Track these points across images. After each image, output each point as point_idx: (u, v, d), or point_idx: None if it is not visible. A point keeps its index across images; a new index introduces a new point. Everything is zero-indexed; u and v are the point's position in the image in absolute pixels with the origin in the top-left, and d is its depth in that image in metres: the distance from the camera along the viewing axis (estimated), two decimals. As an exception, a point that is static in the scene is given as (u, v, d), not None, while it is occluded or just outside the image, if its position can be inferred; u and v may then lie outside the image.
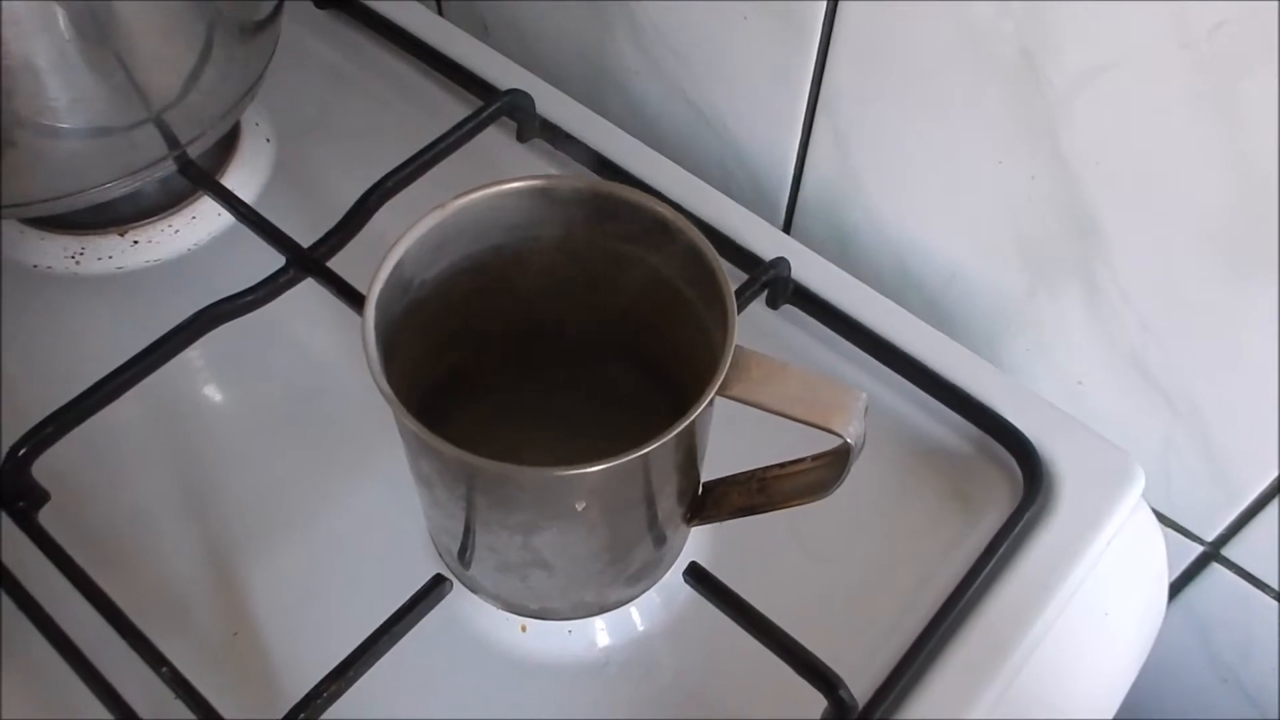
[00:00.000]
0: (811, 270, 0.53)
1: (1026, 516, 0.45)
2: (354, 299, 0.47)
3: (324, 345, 0.51)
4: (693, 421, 0.32)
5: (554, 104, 0.58)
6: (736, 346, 0.32)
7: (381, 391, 0.32)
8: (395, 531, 0.45)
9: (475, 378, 0.42)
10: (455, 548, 0.39)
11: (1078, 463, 0.47)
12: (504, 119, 0.57)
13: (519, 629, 0.43)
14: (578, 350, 0.42)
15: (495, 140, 0.57)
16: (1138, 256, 0.47)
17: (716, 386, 0.32)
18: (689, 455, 0.35)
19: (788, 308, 0.52)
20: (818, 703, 0.40)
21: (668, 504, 0.37)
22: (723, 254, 0.51)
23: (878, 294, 0.53)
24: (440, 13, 0.69)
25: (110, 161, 0.47)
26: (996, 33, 0.45)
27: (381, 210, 0.51)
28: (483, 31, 0.68)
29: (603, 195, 0.37)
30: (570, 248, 0.38)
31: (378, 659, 0.40)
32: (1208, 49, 0.40)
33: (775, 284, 0.51)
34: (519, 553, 0.37)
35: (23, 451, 0.43)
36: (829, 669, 0.39)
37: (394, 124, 0.59)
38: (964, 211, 0.52)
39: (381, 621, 0.40)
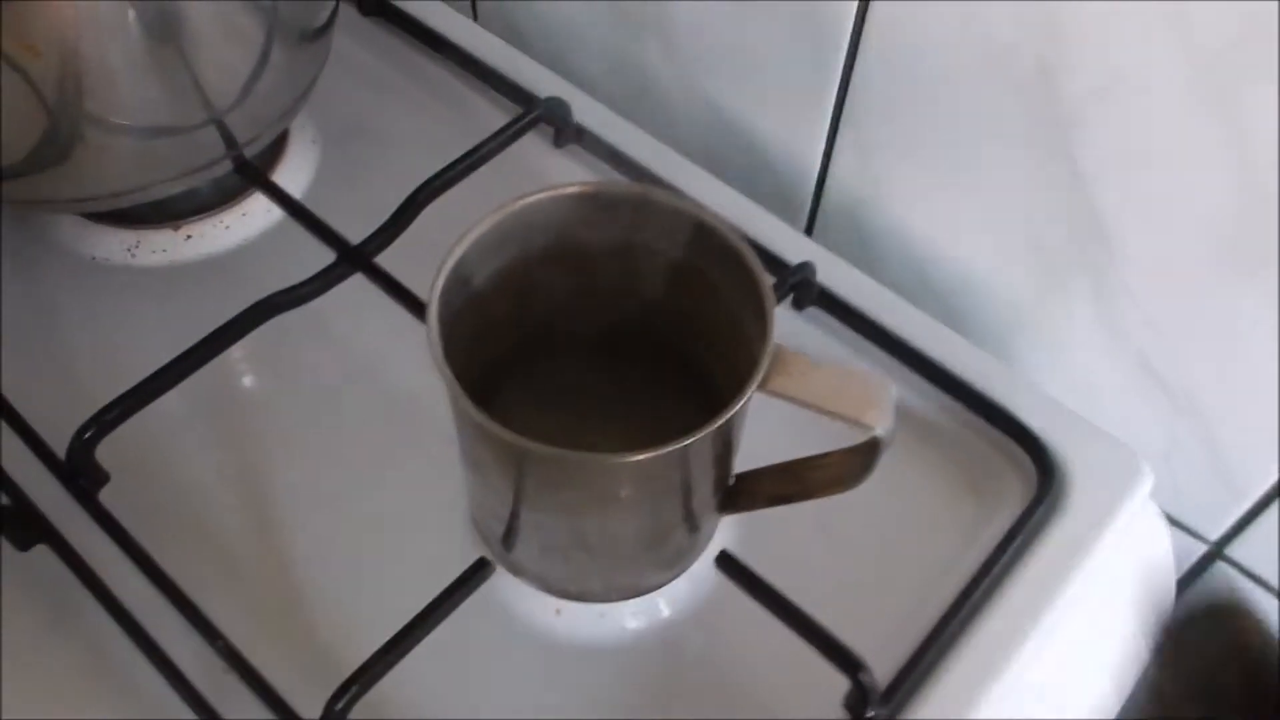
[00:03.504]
0: (835, 274, 0.55)
1: (1039, 512, 0.47)
2: (401, 294, 0.49)
3: (366, 338, 0.53)
4: (733, 414, 0.34)
5: (588, 111, 0.60)
6: (775, 344, 0.34)
7: (444, 379, 0.34)
8: (437, 517, 0.47)
9: (524, 369, 0.44)
10: (501, 530, 0.41)
11: (1088, 461, 0.49)
12: (541, 125, 0.59)
13: (553, 612, 0.45)
14: (621, 344, 0.44)
15: (533, 145, 0.59)
16: (1146, 262, 0.49)
17: (758, 381, 0.34)
18: (726, 446, 0.38)
19: (812, 310, 0.54)
20: (839, 686, 0.42)
21: (704, 492, 0.39)
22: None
23: (898, 297, 0.55)
24: (475, 17, 0.71)
25: (173, 160, 0.49)
26: (1014, 49, 0.47)
27: (425, 211, 0.53)
28: (517, 37, 0.70)
29: (648, 200, 0.39)
30: (617, 248, 0.40)
31: (425, 636, 0.42)
32: (1216, 65, 0.42)
33: (801, 287, 0.53)
34: (563, 535, 0.39)
35: (89, 434, 0.45)
36: (852, 652, 0.41)
37: (434, 128, 0.61)
38: (980, 218, 0.54)
39: (429, 600, 0.42)
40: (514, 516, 0.39)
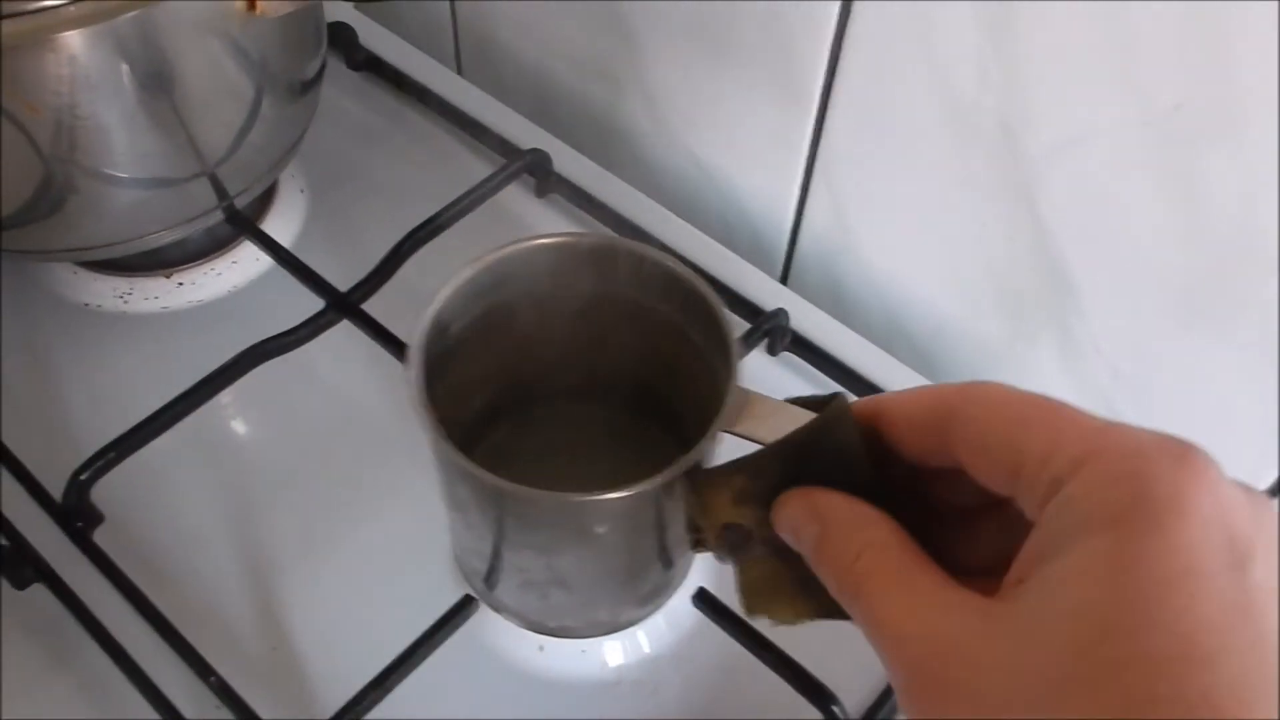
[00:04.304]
0: (808, 320, 0.57)
1: (1005, 550, 0.48)
2: (388, 340, 0.51)
3: (354, 383, 0.55)
4: (700, 454, 0.35)
5: (569, 162, 0.62)
6: (739, 387, 0.36)
7: (425, 424, 0.35)
8: (421, 555, 0.49)
9: (510, 415, 0.46)
10: (482, 568, 0.43)
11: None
12: (523, 175, 0.61)
13: (536, 649, 0.47)
14: (602, 389, 0.45)
15: (515, 195, 0.61)
16: (1108, 310, 0.51)
17: (721, 422, 0.35)
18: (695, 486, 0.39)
19: (786, 354, 0.56)
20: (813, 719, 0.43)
21: (676, 530, 0.40)
22: (726, 304, 0.56)
23: (869, 343, 0.57)
24: (460, 71, 0.73)
25: (165, 211, 0.51)
26: (978, 106, 0.49)
27: (410, 259, 0.55)
28: (500, 90, 0.72)
29: (620, 251, 0.40)
30: (591, 297, 0.42)
31: (412, 671, 0.43)
32: (1168, 126, 0.44)
33: (775, 332, 0.55)
34: (542, 572, 0.40)
35: (84, 476, 0.46)
36: (824, 685, 0.42)
37: (419, 178, 0.63)
38: (950, 267, 0.56)
39: (415, 637, 0.44)
40: (493, 555, 0.41)
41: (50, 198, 0.47)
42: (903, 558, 0.27)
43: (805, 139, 0.57)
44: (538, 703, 0.46)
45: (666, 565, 0.43)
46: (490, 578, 0.43)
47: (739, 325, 0.55)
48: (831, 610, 0.31)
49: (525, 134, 0.64)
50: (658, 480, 0.35)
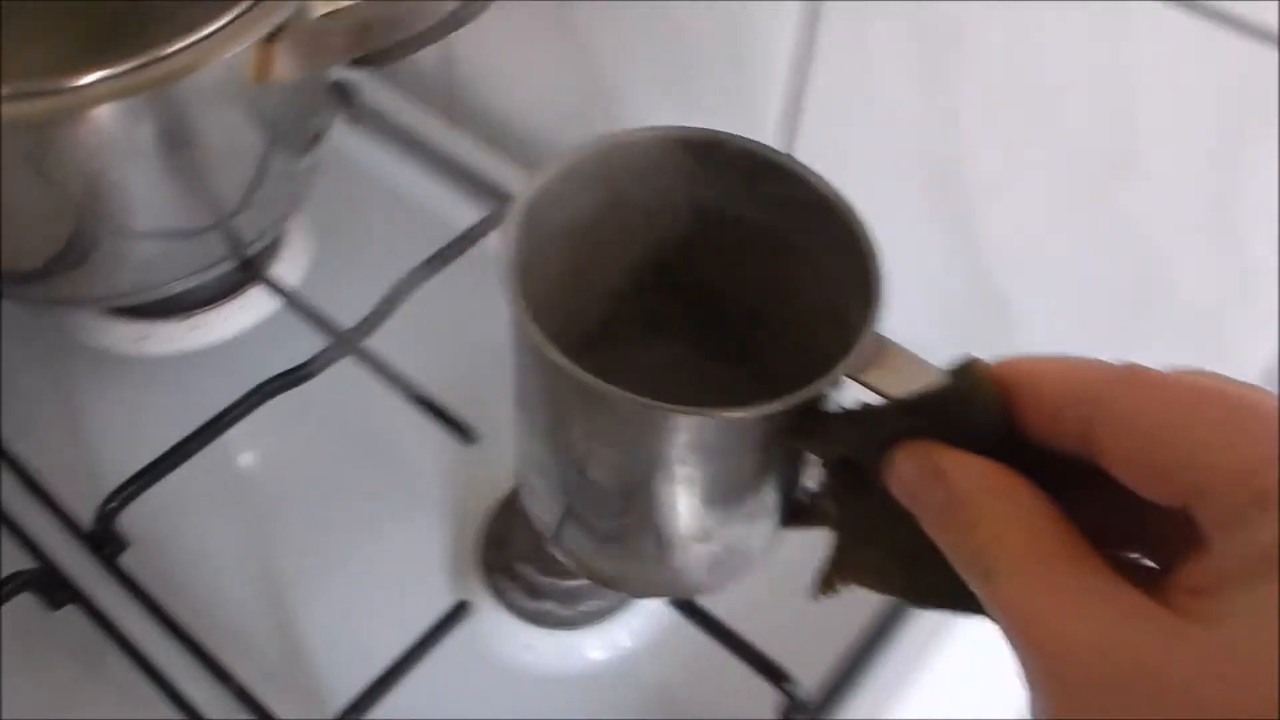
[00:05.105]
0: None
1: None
2: (388, 375, 0.56)
3: (357, 414, 0.59)
4: (816, 391, 0.29)
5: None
6: (876, 334, 0.30)
7: (509, 289, 0.32)
8: (419, 568, 0.53)
9: (598, 329, 0.39)
10: (533, 481, 0.38)
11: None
12: (511, 219, 0.65)
13: (525, 647, 0.51)
14: (703, 315, 0.40)
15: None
16: (1049, 333, 0.56)
17: (848, 364, 0.30)
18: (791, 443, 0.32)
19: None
20: (778, 700, 0.46)
21: (768, 495, 0.34)
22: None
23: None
24: (452, 123, 0.78)
25: (184, 262, 0.55)
26: (920, 148, 0.54)
27: (409, 299, 0.59)
28: (489, 138, 0.76)
29: (766, 162, 0.35)
30: (720, 210, 0.36)
31: (411, 671, 0.47)
32: (1084, 162, 0.49)
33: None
34: (615, 502, 0.35)
35: (112, 505, 0.50)
36: (776, 664, 0.46)
37: (416, 222, 0.67)
38: (895, 294, 0.61)
39: (414, 641, 0.48)
40: (549, 466, 0.36)
41: (77, 252, 0.51)
42: (1054, 540, 0.23)
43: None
44: (527, 697, 0.50)
45: (752, 531, 0.36)
46: (538, 492, 0.38)
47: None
48: (913, 591, 0.29)
49: (514, 180, 0.68)
50: (758, 410, 0.29)
